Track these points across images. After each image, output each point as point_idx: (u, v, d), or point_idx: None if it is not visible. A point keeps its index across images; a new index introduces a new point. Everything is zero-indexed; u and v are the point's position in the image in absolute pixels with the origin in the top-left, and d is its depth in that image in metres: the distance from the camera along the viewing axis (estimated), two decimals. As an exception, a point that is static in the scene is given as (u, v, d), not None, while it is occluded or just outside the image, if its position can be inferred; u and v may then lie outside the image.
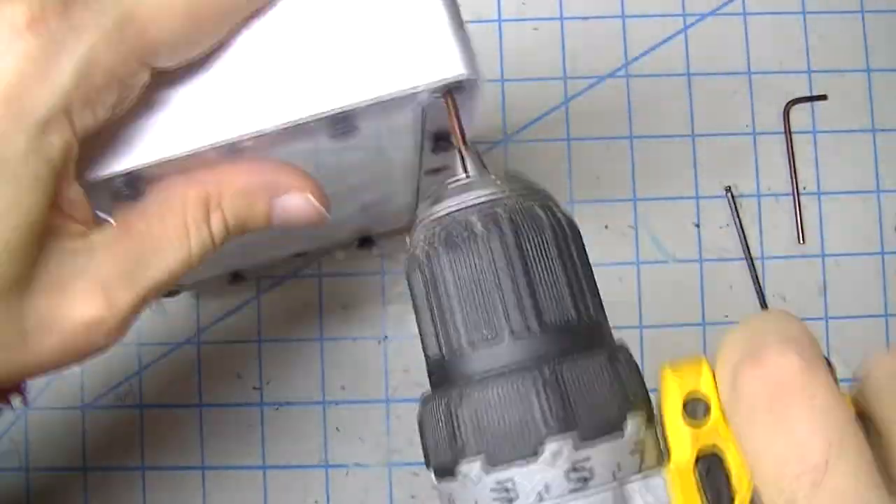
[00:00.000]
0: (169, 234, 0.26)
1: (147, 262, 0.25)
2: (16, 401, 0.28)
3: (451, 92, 0.25)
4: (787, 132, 0.47)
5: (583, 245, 0.24)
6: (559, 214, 0.24)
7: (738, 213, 0.46)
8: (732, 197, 0.46)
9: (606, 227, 0.46)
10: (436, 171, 0.33)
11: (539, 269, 0.23)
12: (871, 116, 0.47)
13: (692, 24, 0.48)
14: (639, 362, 0.46)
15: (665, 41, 0.48)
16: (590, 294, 0.24)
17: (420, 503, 0.44)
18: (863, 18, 0.48)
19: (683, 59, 0.47)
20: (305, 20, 0.26)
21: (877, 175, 0.46)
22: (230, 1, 0.25)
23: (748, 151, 0.47)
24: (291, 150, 0.27)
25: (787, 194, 0.46)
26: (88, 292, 0.24)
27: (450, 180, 0.25)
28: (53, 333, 0.24)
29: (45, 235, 0.24)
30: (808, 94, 0.47)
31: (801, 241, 0.46)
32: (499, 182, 0.24)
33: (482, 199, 0.23)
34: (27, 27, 0.22)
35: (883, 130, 0.47)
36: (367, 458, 0.44)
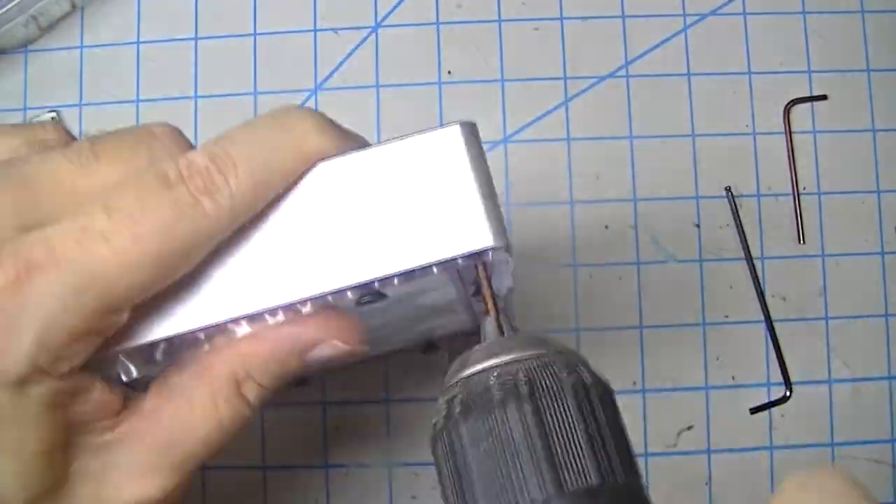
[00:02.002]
0: (198, 414, 0.25)
1: (181, 442, 0.25)
2: None
3: (486, 263, 0.25)
4: (787, 132, 0.47)
5: (613, 404, 0.24)
6: (584, 375, 0.23)
7: (738, 213, 0.46)
8: (732, 197, 0.46)
9: (606, 227, 0.46)
10: (428, 346, 0.33)
11: (558, 434, 0.22)
12: (871, 116, 0.47)
13: (692, 24, 0.48)
14: (639, 362, 0.46)
15: (665, 41, 0.48)
16: (618, 455, 0.23)
17: (420, 503, 0.44)
18: (863, 18, 0.48)
19: (683, 59, 0.47)
20: (335, 194, 0.25)
21: (877, 175, 0.46)
22: (197, 240, 0.24)
23: (748, 151, 0.47)
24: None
25: (787, 194, 0.46)
26: (126, 480, 0.25)
27: (479, 345, 0.25)
28: None
29: (72, 437, 0.24)
30: (808, 94, 0.47)
31: (801, 241, 0.46)
32: (524, 345, 0.24)
33: (502, 363, 0.23)
34: None
35: (883, 130, 0.47)
36: (367, 458, 0.44)
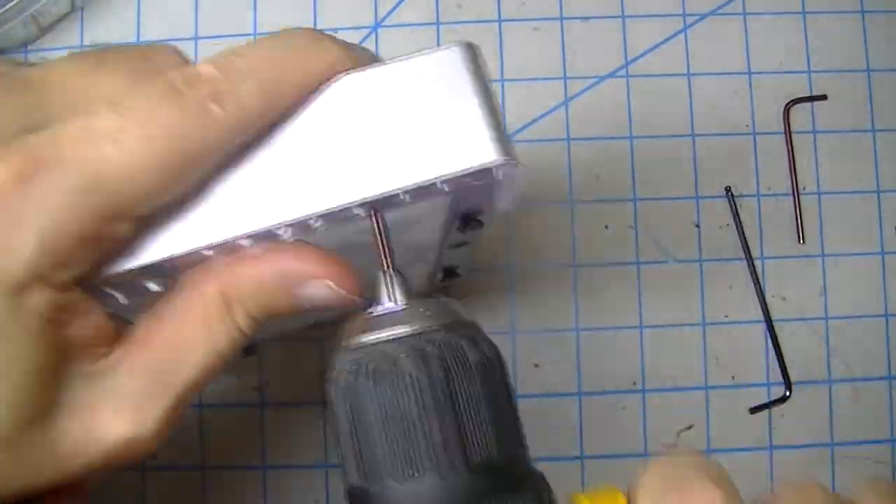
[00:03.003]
0: (189, 336, 0.25)
1: (173, 369, 0.24)
2: None
3: (378, 212, 0.25)
4: (787, 132, 0.47)
5: (508, 377, 0.24)
6: (485, 349, 0.24)
7: (738, 213, 0.46)
8: (732, 197, 0.46)
9: (606, 227, 0.46)
10: (458, 245, 0.33)
11: (466, 408, 0.23)
12: (871, 116, 0.47)
13: (692, 24, 0.48)
14: (640, 361, 0.46)
15: (665, 41, 0.48)
16: (515, 430, 0.24)
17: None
18: (863, 18, 0.48)
19: (683, 59, 0.47)
20: (334, 116, 0.25)
21: (877, 175, 0.46)
22: (206, 146, 0.23)
23: (748, 151, 0.47)
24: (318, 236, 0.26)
25: (787, 194, 0.46)
26: (117, 412, 0.24)
27: (376, 309, 0.25)
28: (88, 453, 0.24)
29: (64, 363, 0.23)
30: (808, 94, 0.47)
31: (801, 241, 0.46)
32: (427, 313, 0.24)
33: (410, 333, 0.23)
34: None
35: (883, 130, 0.47)
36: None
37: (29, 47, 0.47)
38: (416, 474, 0.22)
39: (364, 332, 0.24)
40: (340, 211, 0.24)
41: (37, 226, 0.21)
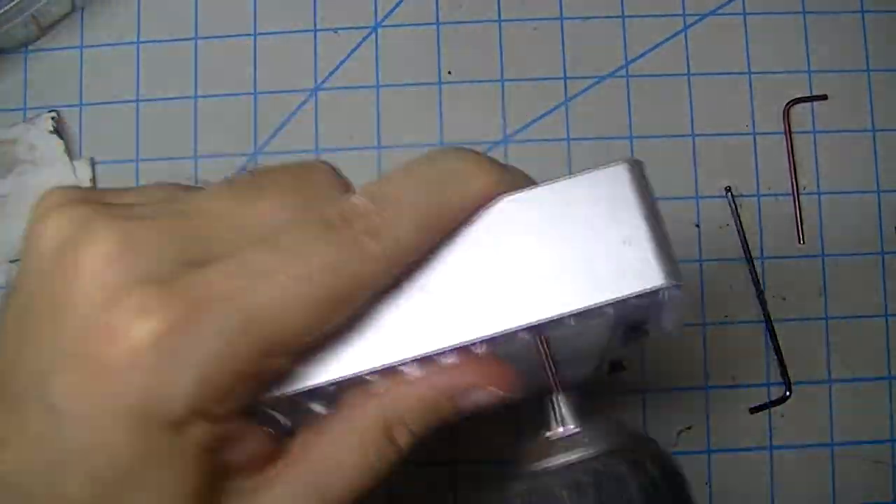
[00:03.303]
0: (346, 458, 0.25)
1: (326, 486, 0.25)
2: None
3: (545, 336, 0.25)
4: (787, 132, 0.47)
5: (685, 493, 0.24)
6: (651, 470, 0.23)
7: (738, 213, 0.46)
8: (732, 197, 0.46)
9: (606, 227, 0.46)
10: (613, 366, 0.33)
11: None
12: (871, 116, 0.47)
13: (692, 24, 0.48)
14: (639, 362, 0.46)
15: (665, 41, 0.47)
16: None
17: (420, 503, 0.44)
18: (863, 18, 0.48)
19: (683, 59, 0.47)
20: (497, 238, 0.25)
21: (877, 175, 0.46)
22: (361, 281, 0.23)
23: (748, 151, 0.47)
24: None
25: (787, 194, 0.46)
26: None
27: (552, 432, 0.25)
28: None
29: (221, 483, 0.24)
30: (808, 94, 0.47)
31: (801, 241, 0.46)
32: (587, 439, 0.24)
33: (568, 463, 0.23)
34: (150, 344, 0.21)
35: (883, 130, 0.47)
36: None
37: (29, 47, 0.47)
38: None
39: (536, 457, 0.24)
40: (505, 335, 0.24)
41: (196, 365, 0.21)
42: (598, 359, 0.34)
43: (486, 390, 0.25)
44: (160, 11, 0.48)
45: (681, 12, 0.48)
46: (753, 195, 0.46)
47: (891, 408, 0.45)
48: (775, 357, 0.45)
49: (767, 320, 0.45)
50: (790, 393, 0.45)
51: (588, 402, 0.27)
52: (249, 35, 0.48)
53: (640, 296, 0.24)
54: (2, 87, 0.47)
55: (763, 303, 0.45)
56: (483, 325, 0.24)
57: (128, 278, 0.22)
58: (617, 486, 0.23)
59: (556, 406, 0.25)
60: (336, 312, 0.23)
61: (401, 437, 0.25)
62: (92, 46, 0.48)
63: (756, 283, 0.45)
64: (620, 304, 0.24)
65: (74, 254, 0.23)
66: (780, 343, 0.45)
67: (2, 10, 0.44)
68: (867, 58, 0.47)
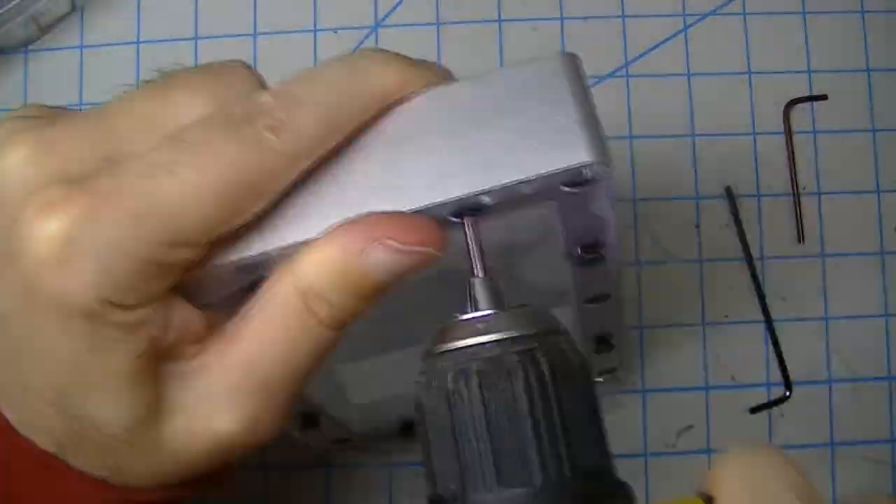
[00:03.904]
0: (274, 336, 0.25)
1: (264, 367, 0.25)
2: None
3: (468, 217, 0.24)
4: (787, 132, 0.47)
5: (579, 396, 0.23)
6: (545, 365, 0.23)
7: (738, 213, 0.46)
8: (732, 197, 0.46)
9: (606, 227, 0.46)
10: (596, 299, 0.32)
11: (571, 414, 0.22)
12: (871, 116, 0.47)
13: (692, 24, 0.48)
14: (639, 362, 0.46)
15: (665, 41, 0.47)
16: (606, 437, 0.23)
17: (420, 503, 0.44)
18: (863, 18, 0.48)
19: (683, 59, 0.47)
20: (418, 127, 0.25)
21: (877, 175, 0.46)
22: (263, 176, 0.23)
23: (748, 151, 0.47)
24: None
25: (787, 194, 0.46)
26: (215, 410, 0.25)
27: (470, 315, 0.24)
28: (194, 451, 0.25)
29: (158, 365, 0.24)
30: (808, 94, 0.47)
31: (801, 241, 0.46)
32: (525, 319, 0.23)
33: (514, 336, 0.23)
34: (50, 239, 0.22)
35: (883, 130, 0.47)
36: (367, 458, 0.44)
37: (29, 47, 0.47)
38: (523, 480, 0.22)
39: (460, 337, 0.23)
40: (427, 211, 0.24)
41: (97, 255, 0.22)
42: (578, 313, 0.34)
43: (385, 244, 0.23)
44: (160, 11, 0.48)
45: (681, 12, 0.48)
46: (753, 195, 0.46)
47: (891, 408, 0.45)
48: (775, 357, 0.45)
49: (767, 320, 0.45)
50: (790, 393, 0.45)
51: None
52: (249, 35, 0.48)
53: (566, 173, 0.24)
54: (2, 87, 0.47)
55: (763, 303, 0.45)
56: (401, 203, 0.24)
57: (43, 178, 0.23)
58: (503, 378, 0.22)
59: (472, 289, 0.25)
60: (238, 206, 0.23)
61: (319, 307, 0.24)
62: (92, 46, 0.48)
63: (756, 283, 0.45)
64: (545, 183, 0.24)
65: (2, 160, 0.24)
66: (780, 343, 0.45)
67: (2, 10, 0.44)
68: (867, 58, 0.47)
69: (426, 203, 0.24)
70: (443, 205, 0.24)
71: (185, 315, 0.25)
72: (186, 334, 0.25)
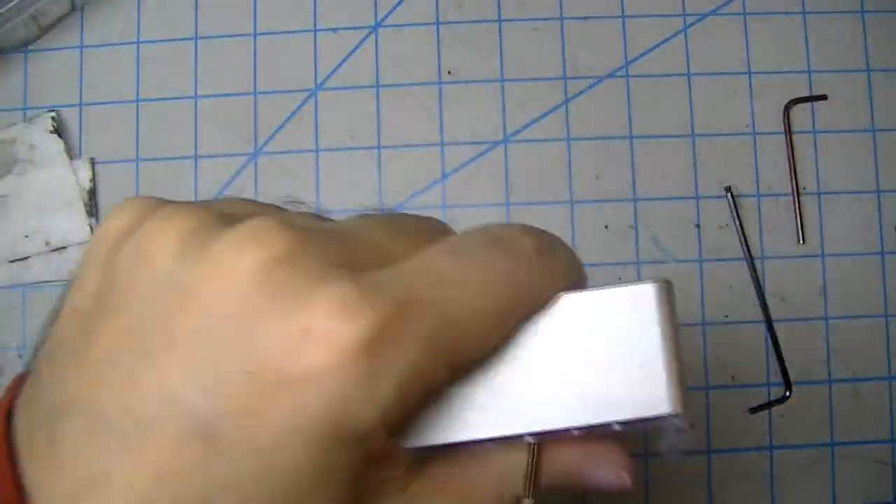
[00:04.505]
0: (481, 497, 0.24)
1: None
2: None
3: (538, 445, 0.25)
4: (787, 132, 0.47)
5: None
6: None
7: (738, 213, 0.46)
8: (732, 197, 0.46)
9: (606, 227, 0.46)
10: None
11: None
12: (871, 116, 0.47)
13: (692, 24, 0.48)
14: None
15: (665, 41, 0.48)
16: None
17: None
18: (863, 18, 0.48)
19: (683, 59, 0.47)
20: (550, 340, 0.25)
21: (877, 175, 0.46)
22: (534, 300, 0.23)
23: (748, 151, 0.47)
24: None
25: (787, 194, 0.46)
26: None
27: None
28: None
29: (368, 498, 0.22)
30: (808, 94, 0.47)
31: (801, 241, 0.46)
32: None
33: None
34: (357, 349, 0.19)
35: (883, 130, 0.47)
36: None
37: (29, 47, 0.47)
38: None
39: None
40: (504, 437, 0.24)
41: (400, 373, 0.20)
42: None
43: (615, 472, 0.24)
44: (160, 11, 0.48)
45: (681, 12, 0.48)
46: (753, 195, 0.46)
47: (891, 408, 0.45)
48: (775, 357, 0.45)
49: (767, 320, 0.45)
50: (790, 393, 0.45)
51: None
52: (249, 35, 0.48)
53: (643, 420, 0.24)
54: (2, 87, 0.47)
55: (763, 303, 0.45)
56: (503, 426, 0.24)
57: (309, 277, 0.20)
58: None
59: None
60: (506, 325, 0.22)
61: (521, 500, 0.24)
62: (92, 46, 0.48)
63: (756, 283, 0.45)
64: (623, 423, 0.25)
65: (223, 259, 0.20)
66: (780, 343, 0.45)
67: (2, 10, 0.44)
68: (867, 58, 0.47)
69: (522, 431, 0.24)
70: (537, 434, 0.24)
71: (395, 453, 0.22)
72: (395, 468, 0.23)
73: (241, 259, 0.20)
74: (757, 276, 0.45)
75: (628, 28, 0.48)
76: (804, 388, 0.45)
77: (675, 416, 0.24)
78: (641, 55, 0.47)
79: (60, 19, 0.48)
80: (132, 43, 0.48)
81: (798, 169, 0.46)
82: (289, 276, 0.20)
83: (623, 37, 0.47)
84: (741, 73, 0.47)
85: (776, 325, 0.45)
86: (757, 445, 0.44)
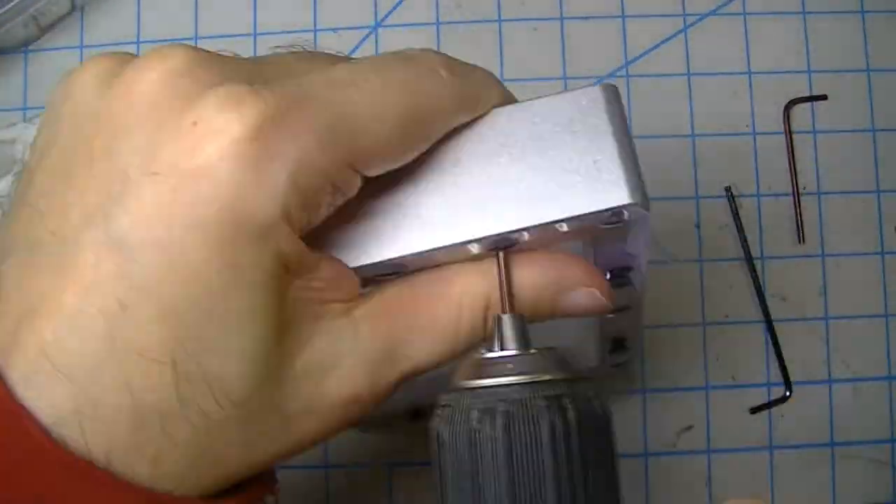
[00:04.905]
0: (437, 325, 0.25)
1: (412, 342, 0.25)
2: (269, 499, 0.26)
3: (501, 251, 0.25)
4: (787, 132, 0.47)
5: (600, 445, 0.24)
6: (571, 413, 0.23)
7: (737, 213, 0.46)
8: (732, 197, 0.46)
9: (606, 227, 0.46)
10: (619, 310, 0.32)
11: (594, 462, 0.22)
12: (871, 116, 0.47)
13: (692, 24, 0.48)
14: (639, 362, 0.46)
15: (665, 41, 0.48)
16: (619, 485, 0.23)
17: (420, 503, 0.44)
18: (863, 18, 0.48)
19: (683, 59, 0.47)
20: (482, 148, 0.25)
21: (877, 175, 0.46)
22: (440, 111, 0.24)
23: (748, 151, 0.47)
24: None
25: (787, 194, 0.46)
26: (353, 370, 0.24)
27: (497, 353, 0.24)
28: (314, 415, 0.24)
29: (302, 317, 0.23)
30: (808, 94, 0.47)
31: (801, 241, 0.46)
32: (551, 362, 0.23)
33: (541, 380, 0.23)
34: (244, 137, 0.21)
35: (883, 130, 0.47)
36: (367, 458, 0.44)
37: (29, 47, 0.47)
38: None
39: (487, 375, 0.23)
40: (459, 245, 0.24)
41: (291, 162, 0.21)
42: (598, 326, 0.34)
43: (591, 292, 0.25)
44: (160, 11, 0.48)
45: (681, 12, 0.48)
46: (753, 195, 0.46)
47: (891, 408, 0.45)
48: (775, 357, 0.45)
49: (767, 320, 0.45)
50: (790, 393, 0.45)
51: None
52: (249, 35, 0.48)
53: (603, 212, 0.24)
54: (2, 87, 0.47)
55: (763, 303, 0.45)
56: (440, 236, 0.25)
57: (205, 83, 0.21)
58: (528, 421, 0.22)
59: (501, 326, 0.25)
60: (413, 138, 0.23)
61: (488, 320, 0.25)
62: (92, 46, 0.48)
63: (756, 283, 0.45)
64: (580, 222, 0.24)
65: (130, 78, 0.22)
66: (780, 343, 0.45)
67: (2, 10, 0.44)
68: (867, 58, 0.47)
69: (468, 237, 0.24)
70: (483, 239, 0.24)
71: (336, 268, 0.24)
72: (337, 286, 0.24)
73: (146, 74, 0.22)
74: (757, 276, 0.45)
75: (628, 28, 0.48)
76: (804, 388, 0.45)
77: (634, 204, 0.24)
78: (641, 55, 0.47)
79: (60, 19, 0.48)
80: (132, 43, 0.48)
81: (798, 169, 0.46)
82: (188, 84, 0.21)
83: (623, 37, 0.47)
84: (741, 73, 0.47)
85: (776, 325, 0.45)
86: (757, 445, 0.44)
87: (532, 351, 0.24)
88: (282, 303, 0.22)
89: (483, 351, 0.24)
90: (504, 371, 0.23)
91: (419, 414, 0.39)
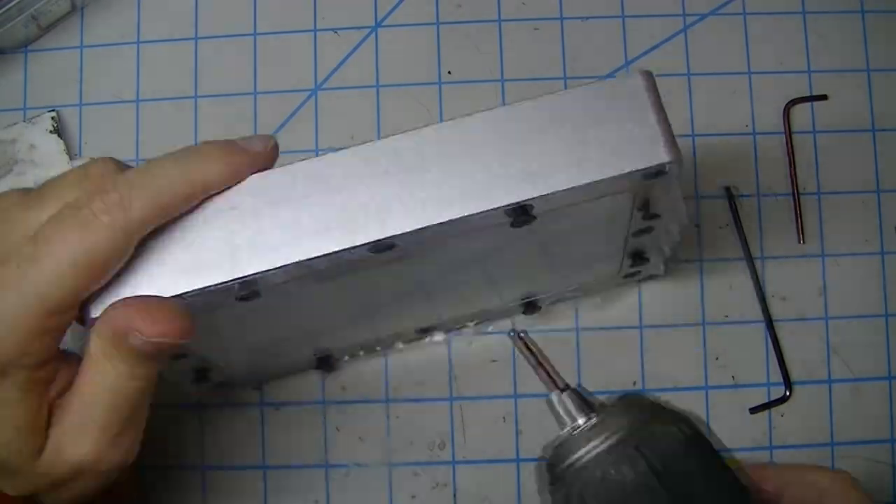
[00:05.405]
0: (96, 374, 0.29)
1: (95, 402, 0.30)
2: None
3: (523, 337, 0.29)
4: (787, 132, 0.47)
5: (711, 439, 0.27)
6: (685, 428, 0.26)
7: (738, 213, 0.46)
8: (732, 197, 0.46)
9: (606, 227, 0.46)
10: (641, 232, 0.36)
11: (702, 482, 0.26)
12: (871, 116, 0.47)
13: (692, 24, 0.48)
14: (640, 361, 0.46)
15: (665, 41, 0.48)
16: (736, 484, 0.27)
17: (420, 503, 0.44)
18: (863, 18, 0.48)
19: (683, 59, 0.47)
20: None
21: (877, 175, 0.46)
22: (96, 253, 0.29)
23: (748, 151, 0.47)
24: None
25: (787, 194, 0.46)
26: (69, 440, 0.30)
27: (576, 426, 0.27)
28: (62, 472, 0.30)
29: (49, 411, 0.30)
30: (808, 94, 0.47)
31: (801, 241, 0.46)
32: (617, 418, 0.27)
33: (608, 444, 0.26)
34: None
35: (883, 130, 0.47)
36: (367, 458, 0.44)
37: (29, 47, 0.47)
38: None
39: (575, 450, 0.26)
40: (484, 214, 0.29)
41: (7, 325, 0.28)
42: (623, 247, 0.38)
43: (140, 338, 0.28)
44: (160, 11, 0.48)
45: (681, 12, 0.48)
46: (753, 195, 0.46)
47: (891, 408, 0.45)
48: (775, 357, 0.45)
49: (767, 320, 0.45)
50: (790, 393, 0.45)
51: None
52: (249, 35, 0.48)
53: (646, 170, 0.29)
54: (2, 87, 0.47)
55: (763, 303, 0.45)
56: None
57: None
58: (663, 447, 0.26)
59: (562, 403, 0.27)
60: (95, 273, 0.29)
61: (115, 365, 0.29)
62: (92, 46, 0.48)
63: (756, 283, 0.45)
64: (629, 178, 0.29)
65: None
66: (780, 343, 0.45)
67: (2, 10, 0.44)
68: (867, 58, 0.47)
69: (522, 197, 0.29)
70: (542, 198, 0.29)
71: (70, 370, 0.30)
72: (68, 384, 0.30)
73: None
74: (757, 276, 0.45)
75: (628, 28, 0.48)
76: (804, 388, 0.45)
77: (672, 161, 0.29)
78: (641, 55, 0.47)
79: (60, 19, 0.48)
80: (132, 43, 0.48)
81: (798, 169, 0.46)
82: None
83: (623, 37, 0.47)
84: (741, 73, 0.47)
85: (776, 325, 0.45)
86: (757, 445, 0.44)
87: (599, 412, 0.27)
88: (31, 408, 0.30)
89: (563, 431, 0.28)
90: (587, 440, 0.27)
91: (203, 375, 0.40)
